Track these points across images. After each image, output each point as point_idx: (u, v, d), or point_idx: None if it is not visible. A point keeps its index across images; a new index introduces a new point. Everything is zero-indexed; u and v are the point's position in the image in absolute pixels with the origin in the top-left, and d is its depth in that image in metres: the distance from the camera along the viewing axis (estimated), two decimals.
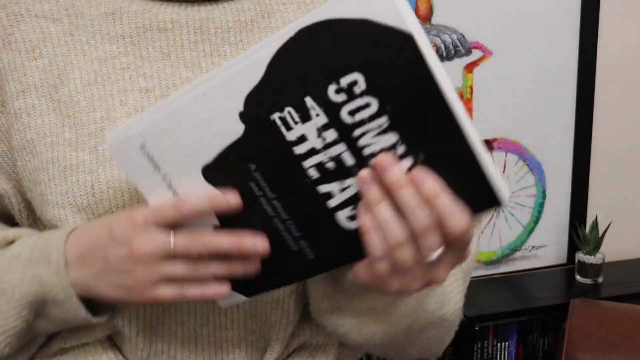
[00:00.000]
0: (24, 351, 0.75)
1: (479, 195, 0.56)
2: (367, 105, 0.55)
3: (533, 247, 1.73)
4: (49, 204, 0.72)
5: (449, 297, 0.74)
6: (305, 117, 0.56)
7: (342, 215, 0.59)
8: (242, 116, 0.58)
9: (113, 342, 0.76)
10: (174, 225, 0.62)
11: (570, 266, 1.72)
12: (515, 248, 1.72)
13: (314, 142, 0.57)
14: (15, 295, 0.68)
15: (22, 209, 0.77)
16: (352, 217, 0.59)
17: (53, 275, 0.67)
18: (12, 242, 0.73)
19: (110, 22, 0.76)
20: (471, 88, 1.62)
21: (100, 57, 0.75)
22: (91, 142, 0.71)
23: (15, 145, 0.74)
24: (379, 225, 0.57)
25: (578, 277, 1.66)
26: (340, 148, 0.57)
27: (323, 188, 0.59)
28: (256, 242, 0.61)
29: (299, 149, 0.58)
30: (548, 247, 1.74)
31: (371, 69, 0.54)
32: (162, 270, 0.62)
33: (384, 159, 0.56)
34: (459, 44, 1.60)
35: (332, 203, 0.59)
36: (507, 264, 1.72)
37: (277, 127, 0.57)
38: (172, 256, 0.62)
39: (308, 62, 0.55)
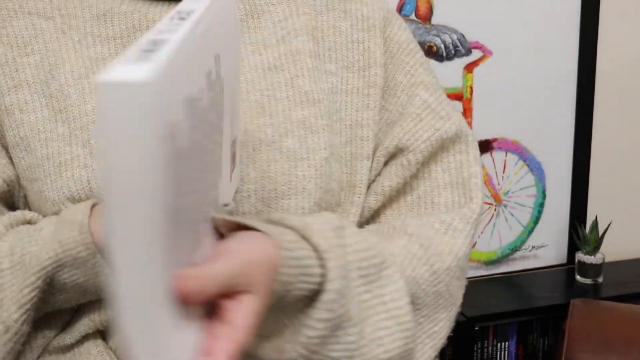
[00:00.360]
0: (38, 341, 0.73)
1: None
2: None
3: (533, 247, 1.73)
4: (47, 201, 0.71)
5: (370, 344, 0.65)
6: None
7: None
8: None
9: (110, 348, 0.74)
10: None
11: (570, 266, 1.72)
12: (515, 248, 1.72)
13: None
14: (32, 263, 0.67)
15: (24, 202, 0.76)
16: None
17: (76, 232, 0.65)
18: (29, 221, 0.72)
19: (102, 24, 0.76)
20: (471, 88, 1.62)
21: (92, 57, 0.75)
22: (84, 136, 0.71)
23: (8, 142, 0.74)
24: None
25: (578, 277, 1.66)
26: None
27: None
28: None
29: None
30: (548, 247, 1.74)
31: None
32: None
33: None
34: (459, 44, 1.60)
35: None
36: (507, 264, 1.72)
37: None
38: None
39: None
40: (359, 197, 0.79)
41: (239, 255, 0.55)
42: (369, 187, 0.82)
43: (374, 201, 0.81)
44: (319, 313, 0.61)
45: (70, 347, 0.74)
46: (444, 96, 0.85)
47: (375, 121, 0.81)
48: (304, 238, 0.62)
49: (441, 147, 0.83)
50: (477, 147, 0.86)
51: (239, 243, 0.57)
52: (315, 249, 0.62)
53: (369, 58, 0.82)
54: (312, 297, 0.62)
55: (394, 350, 0.66)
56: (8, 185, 0.76)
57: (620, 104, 1.72)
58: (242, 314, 0.53)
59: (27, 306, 0.68)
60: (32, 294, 0.68)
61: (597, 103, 1.69)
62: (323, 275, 0.61)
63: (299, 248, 0.61)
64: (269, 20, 0.79)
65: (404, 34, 0.85)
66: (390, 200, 0.82)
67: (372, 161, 0.81)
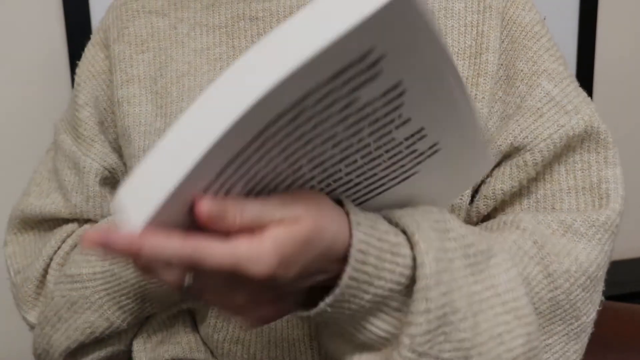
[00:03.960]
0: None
1: None
2: None
3: None
4: None
5: (489, 342, 0.55)
6: None
7: None
8: None
9: (195, 323, 0.81)
10: None
11: None
12: None
13: None
14: (122, 283, 0.74)
15: None
16: None
17: None
18: None
19: (210, 14, 0.78)
20: None
21: (197, 49, 0.77)
22: None
23: (117, 131, 0.80)
24: None
25: None
26: None
27: None
28: None
29: None
30: None
31: None
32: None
33: None
34: None
35: None
36: None
37: None
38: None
39: None
40: (460, 200, 0.71)
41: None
42: (477, 189, 0.73)
43: (483, 206, 0.72)
44: (417, 304, 0.52)
45: (161, 326, 0.80)
46: (572, 87, 0.76)
47: (483, 114, 0.71)
48: (392, 221, 0.55)
49: (567, 147, 0.73)
50: (612, 145, 0.76)
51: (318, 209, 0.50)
52: (404, 231, 0.54)
53: (482, 43, 0.72)
54: (408, 296, 0.53)
55: (517, 349, 0.57)
56: (110, 172, 0.82)
57: (618, 105, 1.72)
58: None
59: (125, 309, 0.76)
60: (130, 304, 0.76)
61: (595, 104, 1.69)
62: (414, 262, 0.53)
63: (382, 228, 0.53)
64: None
65: (528, 14, 0.75)
66: (503, 204, 0.73)
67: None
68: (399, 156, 0.52)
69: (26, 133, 1.29)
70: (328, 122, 0.47)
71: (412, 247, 0.53)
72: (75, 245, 0.81)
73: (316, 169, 0.51)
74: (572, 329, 0.68)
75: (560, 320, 0.67)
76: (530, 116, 0.71)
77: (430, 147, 0.52)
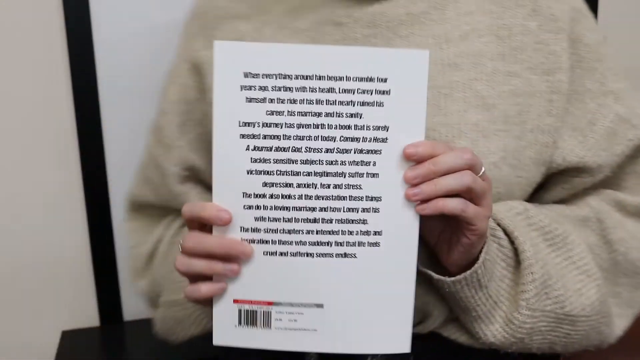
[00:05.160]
0: None
1: None
2: None
3: None
4: None
5: (573, 295, 0.76)
6: None
7: None
8: None
9: None
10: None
11: None
12: None
13: None
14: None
15: None
16: None
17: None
18: None
19: (294, 18, 0.80)
20: None
21: None
22: None
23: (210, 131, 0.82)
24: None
25: None
26: None
27: None
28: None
29: None
30: None
31: None
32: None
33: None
34: None
35: None
36: None
37: None
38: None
39: None
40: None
41: None
42: (551, 184, 0.83)
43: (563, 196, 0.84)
44: (526, 277, 0.73)
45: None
46: (633, 99, 0.83)
47: (557, 128, 0.78)
48: (496, 222, 0.74)
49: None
50: None
51: None
52: (505, 231, 0.74)
53: (554, 63, 0.78)
54: (515, 274, 0.74)
55: (593, 296, 0.77)
56: (190, 171, 0.86)
57: None
58: None
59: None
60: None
61: None
62: (515, 250, 0.74)
63: (496, 231, 0.74)
64: (453, 12, 0.78)
65: (592, 35, 0.80)
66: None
67: (553, 170, 0.80)
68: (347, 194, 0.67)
69: (25, 133, 1.29)
70: (337, 120, 0.64)
71: (511, 241, 0.75)
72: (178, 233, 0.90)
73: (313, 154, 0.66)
74: (635, 281, 0.83)
75: (623, 274, 0.82)
76: (607, 137, 0.80)
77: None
